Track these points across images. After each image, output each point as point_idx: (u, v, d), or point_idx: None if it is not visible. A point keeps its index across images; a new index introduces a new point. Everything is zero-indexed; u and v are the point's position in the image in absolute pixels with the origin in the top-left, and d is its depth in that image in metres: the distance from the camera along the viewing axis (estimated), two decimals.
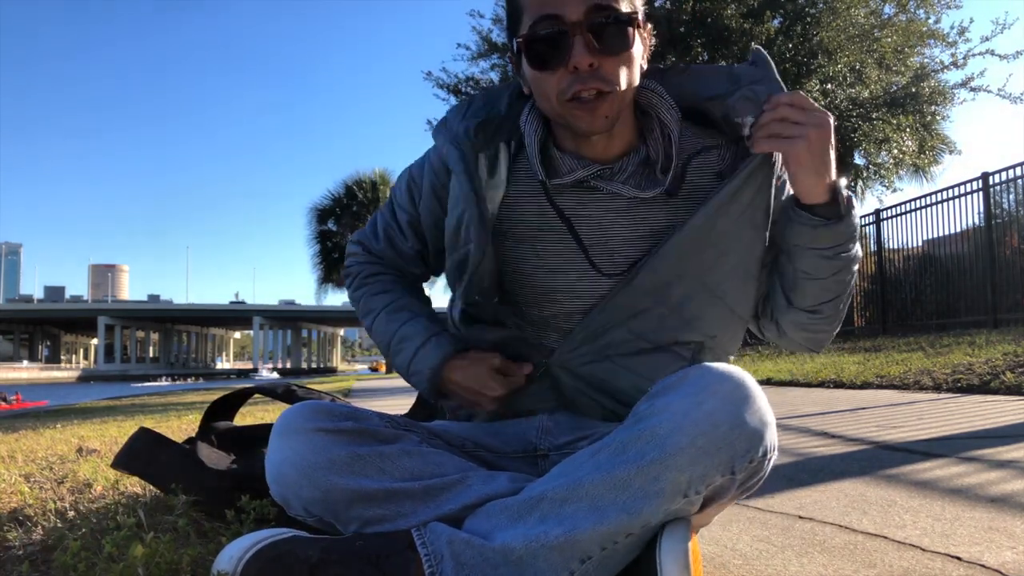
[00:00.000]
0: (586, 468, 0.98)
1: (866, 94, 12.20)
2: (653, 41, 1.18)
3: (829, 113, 1.06)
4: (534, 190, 1.20)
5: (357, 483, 1.04)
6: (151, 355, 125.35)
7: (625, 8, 1.08)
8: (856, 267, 1.20)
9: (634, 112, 1.19)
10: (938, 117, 13.45)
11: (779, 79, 1.14)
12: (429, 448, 1.13)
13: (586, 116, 1.09)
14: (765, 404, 0.98)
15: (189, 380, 71.77)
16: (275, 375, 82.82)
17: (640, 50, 1.12)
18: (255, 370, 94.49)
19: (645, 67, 1.16)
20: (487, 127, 1.19)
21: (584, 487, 0.96)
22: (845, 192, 1.11)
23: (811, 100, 1.07)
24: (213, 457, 1.70)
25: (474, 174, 1.17)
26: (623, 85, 1.09)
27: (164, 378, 78.67)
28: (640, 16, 1.10)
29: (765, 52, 1.17)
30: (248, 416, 4.28)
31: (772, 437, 0.98)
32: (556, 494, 0.97)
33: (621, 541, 0.95)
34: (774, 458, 1.00)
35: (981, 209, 9.25)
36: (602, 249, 1.19)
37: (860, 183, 15.30)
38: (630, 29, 1.08)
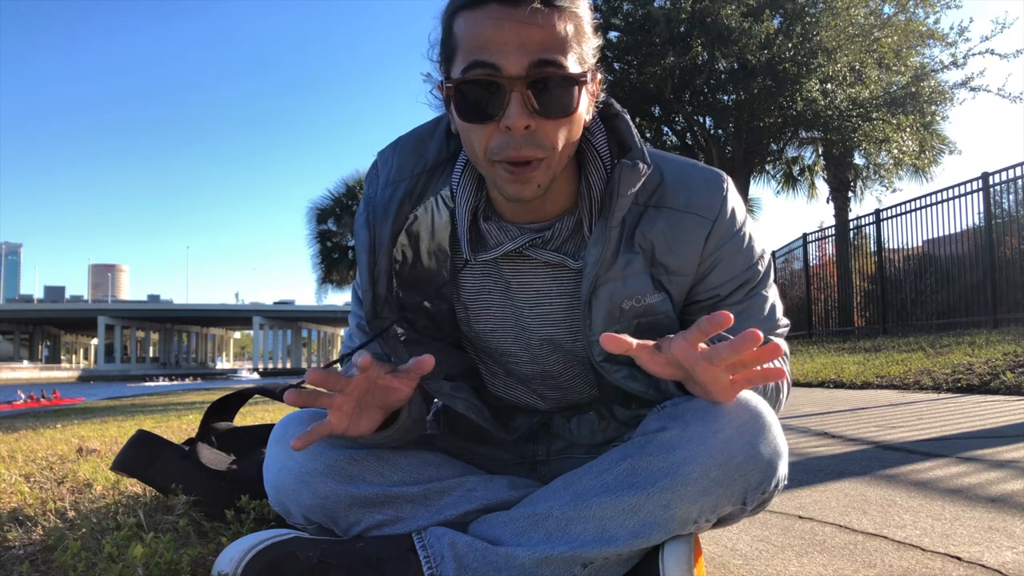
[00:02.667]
0: (593, 487, 0.97)
1: (866, 94, 12.20)
2: (602, 95, 1.05)
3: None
4: (462, 263, 1.11)
5: (355, 487, 1.03)
6: (151, 355, 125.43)
7: (573, 67, 0.93)
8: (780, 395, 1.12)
9: (575, 167, 1.06)
10: (938, 117, 13.48)
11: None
12: (426, 452, 1.12)
13: (515, 184, 0.95)
14: (780, 434, 0.96)
15: (187, 380, 71.97)
16: (255, 376, 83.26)
17: (585, 107, 0.99)
18: (235, 371, 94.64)
19: (590, 119, 1.03)
20: (412, 193, 1.07)
21: (591, 508, 0.95)
22: None
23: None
24: (213, 458, 1.70)
25: (376, 263, 1.06)
26: (560, 148, 0.95)
27: (161, 378, 78.81)
28: (589, 75, 0.96)
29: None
30: (248, 416, 4.28)
31: (784, 468, 0.97)
32: (562, 513, 0.96)
33: (625, 554, 0.95)
34: (784, 487, 0.99)
35: (981, 209, 9.25)
36: (543, 321, 1.12)
37: (860, 183, 15.32)
38: (576, 89, 0.94)
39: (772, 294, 1.14)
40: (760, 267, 1.12)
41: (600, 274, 1.04)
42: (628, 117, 1.08)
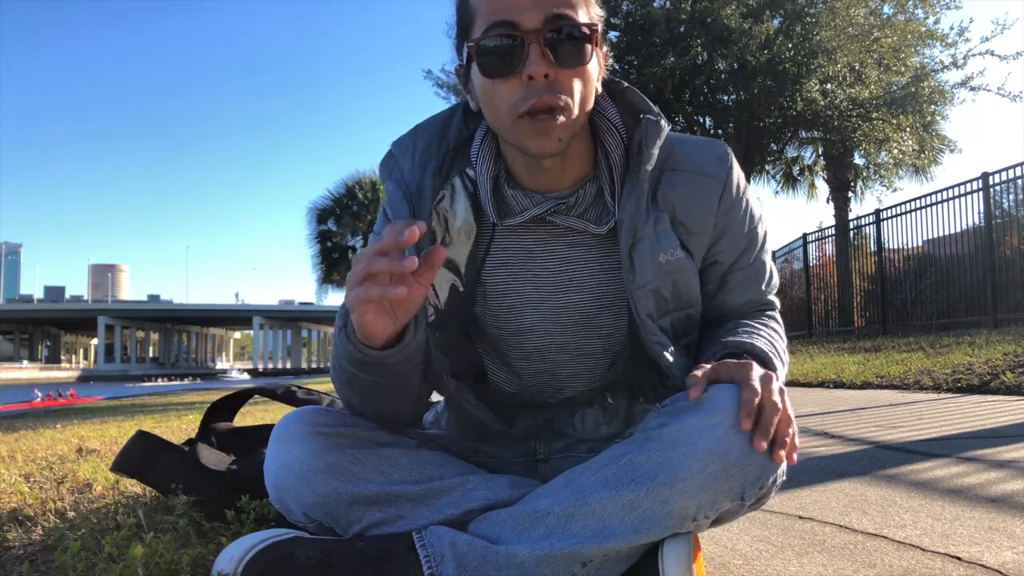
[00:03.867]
0: (592, 483, 0.97)
1: (866, 94, 12.19)
2: (609, 62, 1.13)
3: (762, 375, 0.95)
4: (490, 231, 1.14)
5: (356, 486, 1.04)
6: (151, 355, 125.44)
7: (584, 20, 1.01)
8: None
9: (590, 137, 1.12)
10: (938, 117, 13.47)
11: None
12: (428, 451, 1.12)
13: (538, 137, 1.00)
14: None
15: (187, 380, 72.01)
16: (245, 376, 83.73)
17: (596, 68, 1.06)
18: (225, 371, 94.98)
19: (599, 89, 1.09)
20: (441, 171, 1.12)
21: (591, 504, 0.95)
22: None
23: (758, 380, 0.94)
24: (213, 458, 1.70)
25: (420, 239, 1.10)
26: (577, 102, 1.02)
27: (161, 378, 78.84)
28: (599, 32, 1.03)
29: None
30: (248, 416, 4.28)
31: (782, 464, 0.97)
32: (562, 509, 0.97)
33: (624, 551, 0.95)
34: (782, 482, 1.00)
35: (981, 209, 9.24)
36: (567, 288, 1.15)
37: (860, 183, 15.31)
38: (588, 44, 1.01)
39: (769, 256, 1.24)
40: (760, 230, 1.21)
41: (637, 228, 1.09)
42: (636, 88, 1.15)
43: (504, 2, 0.99)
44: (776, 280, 1.25)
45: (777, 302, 1.26)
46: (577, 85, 1.01)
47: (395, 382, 1.06)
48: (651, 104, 1.12)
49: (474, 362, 1.22)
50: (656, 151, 1.09)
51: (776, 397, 0.93)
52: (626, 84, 1.14)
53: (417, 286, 0.92)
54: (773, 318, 1.23)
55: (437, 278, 1.12)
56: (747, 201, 1.19)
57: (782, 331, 1.22)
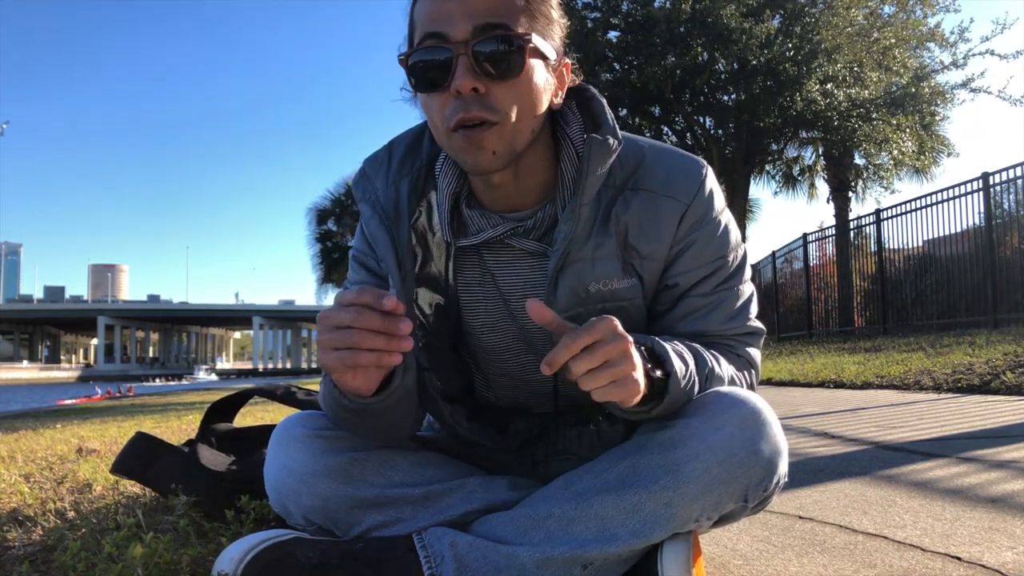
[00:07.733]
0: (594, 487, 0.97)
1: (866, 94, 12.21)
2: (575, 78, 1.06)
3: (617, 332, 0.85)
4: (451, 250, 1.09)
5: (356, 489, 1.03)
6: (151, 355, 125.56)
7: (521, 29, 0.94)
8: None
9: (552, 155, 1.05)
10: (937, 118, 13.48)
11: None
12: (427, 453, 1.12)
13: (471, 150, 0.95)
14: (779, 432, 0.96)
15: (185, 380, 71.89)
16: (213, 377, 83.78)
17: (544, 80, 0.98)
18: (191, 372, 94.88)
19: (559, 102, 1.03)
20: (416, 188, 1.08)
21: (593, 507, 0.95)
22: (659, 373, 0.93)
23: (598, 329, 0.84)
24: (213, 459, 1.70)
25: (403, 264, 1.05)
26: (515, 115, 0.95)
27: (158, 379, 78.80)
28: (535, 42, 0.95)
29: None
30: (248, 417, 4.28)
31: (784, 466, 0.97)
32: (563, 512, 0.96)
33: (625, 554, 0.95)
34: (784, 484, 1.00)
35: (981, 209, 9.24)
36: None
37: (860, 183, 15.33)
38: (524, 51, 0.94)
39: (745, 291, 1.11)
40: (731, 259, 1.09)
41: (571, 252, 1.02)
42: (603, 99, 1.08)
43: (435, 12, 0.94)
44: (752, 323, 1.11)
45: (752, 341, 1.12)
46: (512, 97, 0.94)
47: (389, 420, 1.03)
48: (608, 117, 1.05)
49: (465, 376, 1.19)
50: (603, 171, 1.01)
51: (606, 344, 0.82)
52: (592, 92, 1.08)
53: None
54: (731, 350, 1.10)
55: (423, 298, 1.10)
56: (720, 224, 1.08)
57: (740, 366, 1.10)
